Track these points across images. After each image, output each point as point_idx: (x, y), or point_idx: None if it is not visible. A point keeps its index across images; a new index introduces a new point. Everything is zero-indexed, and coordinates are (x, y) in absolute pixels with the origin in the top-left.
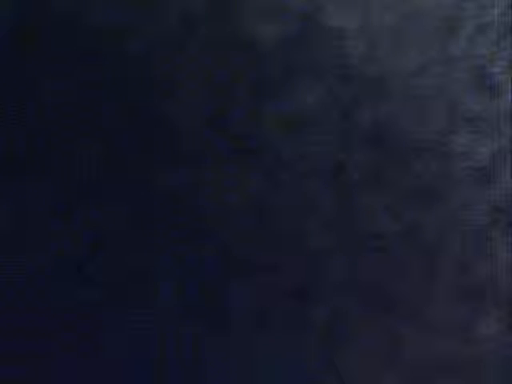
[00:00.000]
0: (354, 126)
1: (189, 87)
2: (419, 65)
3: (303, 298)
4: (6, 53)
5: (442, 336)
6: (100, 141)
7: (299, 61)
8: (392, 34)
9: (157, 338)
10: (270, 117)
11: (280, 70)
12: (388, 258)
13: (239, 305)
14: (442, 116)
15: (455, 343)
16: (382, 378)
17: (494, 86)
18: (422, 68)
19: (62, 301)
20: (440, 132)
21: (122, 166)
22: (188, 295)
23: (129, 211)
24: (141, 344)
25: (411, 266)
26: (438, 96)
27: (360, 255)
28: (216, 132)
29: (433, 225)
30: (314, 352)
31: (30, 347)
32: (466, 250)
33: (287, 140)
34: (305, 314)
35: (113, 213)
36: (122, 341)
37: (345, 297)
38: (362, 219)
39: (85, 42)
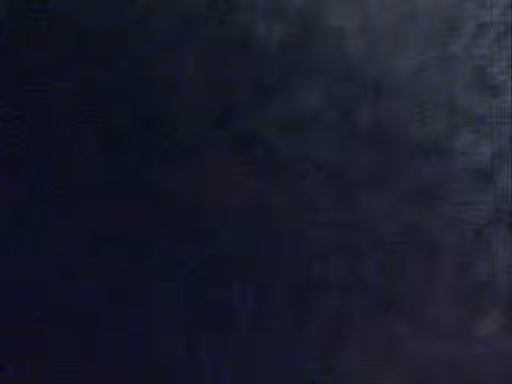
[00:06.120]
0: (354, 126)
1: (188, 87)
2: (419, 65)
3: (304, 297)
4: (6, 52)
5: (441, 336)
6: (99, 140)
7: (299, 61)
8: (392, 34)
9: (156, 338)
10: (270, 117)
11: (280, 69)
12: (387, 257)
13: (239, 305)
14: (442, 116)
15: (455, 343)
16: (382, 378)
17: (494, 85)
18: (422, 68)
19: (61, 300)
20: (440, 132)
21: (121, 166)
22: (188, 295)
23: (129, 211)
24: (140, 344)
25: (411, 265)
26: (438, 96)
27: (360, 255)
28: (216, 132)
29: (433, 225)
30: (315, 352)
31: (29, 347)
32: (466, 250)
33: (287, 140)
34: (305, 314)
35: (113, 212)
36: (122, 341)
37: (345, 297)
38: (361, 219)
39: (85, 42)
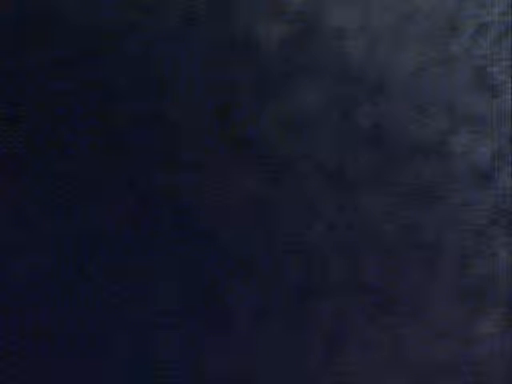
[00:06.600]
0: (354, 126)
1: (188, 87)
2: (419, 65)
3: (304, 298)
4: (6, 51)
5: (441, 336)
6: (100, 141)
7: (299, 61)
8: (392, 34)
9: (157, 338)
10: (270, 117)
11: (280, 70)
12: (388, 257)
13: (239, 305)
14: (442, 116)
15: (455, 343)
16: (382, 378)
17: (494, 85)
18: (422, 68)
19: (61, 300)
20: (440, 132)
21: (122, 166)
22: (188, 295)
23: (129, 211)
24: (140, 344)
25: (411, 265)
26: (437, 96)
27: (360, 255)
28: (216, 132)
29: (433, 225)
30: (315, 352)
31: (29, 347)
32: (466, 250)
33: (287, 140)
34: (305, 314)
35: (113, 213)
36: (122, 341)
37: (346, 297)
38: (362, 219)
39: (85, 42)
